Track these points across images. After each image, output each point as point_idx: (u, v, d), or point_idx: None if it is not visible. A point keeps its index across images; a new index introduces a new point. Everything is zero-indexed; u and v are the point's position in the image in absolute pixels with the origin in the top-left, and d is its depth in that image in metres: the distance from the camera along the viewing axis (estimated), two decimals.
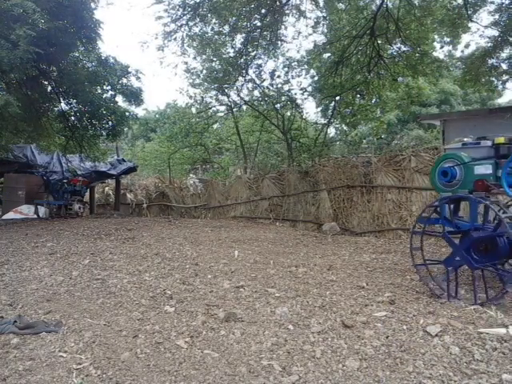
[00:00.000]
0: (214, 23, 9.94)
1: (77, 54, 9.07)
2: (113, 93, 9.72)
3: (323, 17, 10.58)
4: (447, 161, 3.15)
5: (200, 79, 12.96)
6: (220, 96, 13.24)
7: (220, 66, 11.71)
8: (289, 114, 12.90)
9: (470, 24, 9.62)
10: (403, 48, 10.41)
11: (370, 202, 6.16)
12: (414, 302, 2.54)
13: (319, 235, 6.12)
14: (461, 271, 3.07)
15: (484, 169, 2.94)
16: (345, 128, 14.47)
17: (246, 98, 13.16)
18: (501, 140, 2.94)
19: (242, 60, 10.70)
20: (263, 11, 9.26)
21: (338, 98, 11.54)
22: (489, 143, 2.99)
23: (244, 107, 14.08)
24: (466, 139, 3.23)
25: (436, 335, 1.98)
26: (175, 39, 9.74)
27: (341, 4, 10.34)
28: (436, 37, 11.33)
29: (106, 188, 14.23)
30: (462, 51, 13.19)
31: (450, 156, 3.16)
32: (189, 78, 12.94)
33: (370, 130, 16.76)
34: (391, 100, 14.29)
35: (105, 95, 9.70)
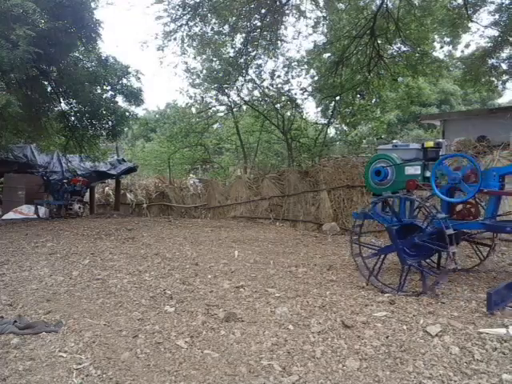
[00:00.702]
0: (214, 23, 9.94)
1: (77, 54, 9.06)
2: (113, 93, 9.71)
3: (323, 17, 10.58)
4: (380, 161, 3.34)
5: (200, 79, 12.96)
6: (220, 96, 13.23)
7: (220, 66, 11.71)
8: (289, 114, 12.89)
9: (470, 24, 9.62)
10: (403, 48, 10.41)
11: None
12: (414, 302, 2.54)
13: (319, 235, 6.13)
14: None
15: (414, 170, 3.17)
16: (345, 128, 14.46)
17: (246, 98, 13.15)
18: (429, 144, 3.22)
19: (242, 60, 10.70)
20: (263, 11, 9.26)
21: (337, 97, 11.53)
22: (418, 146, 3.25)
23: (244, 107, 14.08)
24: (395, 141, 3.57)
25: (436, 335, 1.98)
26: (175, 39, 9.74)
27: (341, 4, 10.33)
28: (436, 37, 11.33)
29: (106, 188, 14.23)
30: (462, 51, 13.18)
31: (383, 157, 3.35)
32: (189, 77, 12.93)
33: (370, 130, 16.75)
34: (391, 100, 14.30)
35: (105, 95, 9.70)
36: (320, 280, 3.21)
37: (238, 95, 12.99)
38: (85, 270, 3.73)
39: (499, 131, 8.09)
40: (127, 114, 10.03)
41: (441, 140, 3.36)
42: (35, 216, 10.00)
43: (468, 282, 3.03)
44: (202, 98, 13.46)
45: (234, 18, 9.67)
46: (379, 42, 9.92)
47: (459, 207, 3.20)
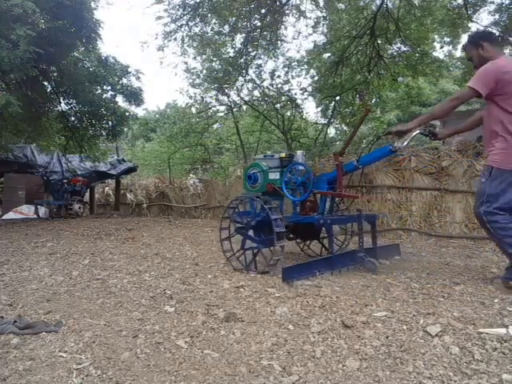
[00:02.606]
0: (214, 23, 9.94)
1: (77, 54, 9.07)
2: (113, 93, 9.72)
3: (323, 17, 10.59)
4: (253, 168, 4.14)
5: (200, 79, 12.97)
6: (220, 96, 13.25)
7: (220, 66, 11.73)
8: (289, 114, 12.89)
9: (470, 24, 9.61)
10: (403, 48, 10.42)
11: (370, 202, 6.16)
12: (414, 302, 2.54)
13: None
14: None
15: (274, 175, 3.94)
16: (345, 128, 14.47)
17: (246, 98, 13.16)
18: (283, 155, 4.01)
19: (242, 60, 10.71)
20: (263, 11, 9.26)
21: (337, 97, 11.53)
22: (278, 156, 4.03)
23: (244, 107, 14.08)
24: (269, 152, 4.15)
25: (436, 335, 1.97)
26: (175, 39, 9.75)
27: (341, 4, 10.34)
28: (436, 37, 11.33)
29: (106, 188, 14.24)
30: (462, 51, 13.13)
31: (255, 164, 4.16)
32: (189, 77, 12.96)
33: (370, 130, 16.76)
34: (391, 100, 14.31)
35: (105, 95, 9.71)
36: (320, 280, 3.21)
37: (238, 95, 13.00)
38: (85, 270, 3.74)
39: None
40: (127, 114, 10.04)
41: (298, 152, 4.09)
42: (35, 216, 10.01)
43: (468, 283, 3.04)
44: (202, 97, 13.48)
45: (233, 18, 9.68)
46: (379, 42, 9.93)
47: (308, 204, 3.89)
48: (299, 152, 4.09)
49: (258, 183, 4.04)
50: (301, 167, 3.86)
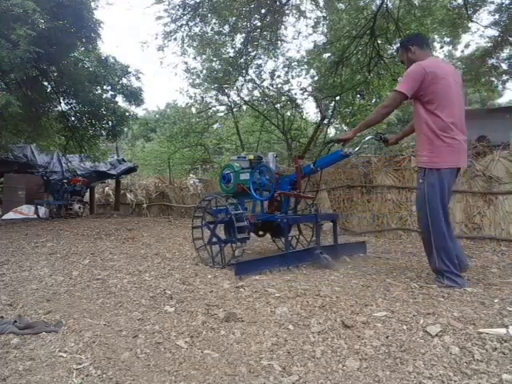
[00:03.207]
0: (214, 23, 9.94)
1: (77, 54, 9.07)
2: (113, 93, 9.72)
3: (323, 17, 10.58)
4: (227, 169, 4.33)
5: (200, 79, 12.97)
6: (220, 96, 13.25)
7: (220, 66, 11.72)
8: (289, 114, 12.88)
9: (470, 24, 9.62)
10: None
11: (370, 202, 6.16)
12: (414, 302, 2.54)
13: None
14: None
15: (244, 176, 4.12)
16: (345, 128, 14.46)
17: (246, 98, 13.16)
18: (251, 157, 4.21)
19: (242, 60, 10.70)
20: (263, 11, 9.26)
21: (337, 97, 11.53)
22: (248, 158, 4.21)
23: (244, 107, 14.08)
24: (243, 154, 4.47)
25: (436, 335, 1.97)
26: (175, 39, 9.75)
27: (341, 4, 10.33)
28: (436, 37, 11.32)
29: (106, 188, 14.24)
30: (462, 51, 13.16)
31: (229, 165, 4.36)
32: (189, 77, 12.95)
33: (370, 130, 16.73)
34: None
35: (105, 95, 9.71)
36: (320, 280, 3.21)
37: (238, 95, 13.00)
38: (85, 270, 3.74)
39: (499, 131, 8.09)
40: (127, 114, 10.03)
41: (270, 154, 4.24)
42: (35, 216, 10.01)
43: (468, 283, 3.04)
44: (202, 97, 13.48)
45: (233, 18, 9.68)
46: (379, 42, 9.92)
47: (275, 204, 4.11)
48: (270, 154, 4.23)
49: (231, 183, 4.22)
50: (271, 168, 4.03)
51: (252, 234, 4.12)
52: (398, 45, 3.22)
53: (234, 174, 4.20)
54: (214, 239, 3.87)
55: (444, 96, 2.77)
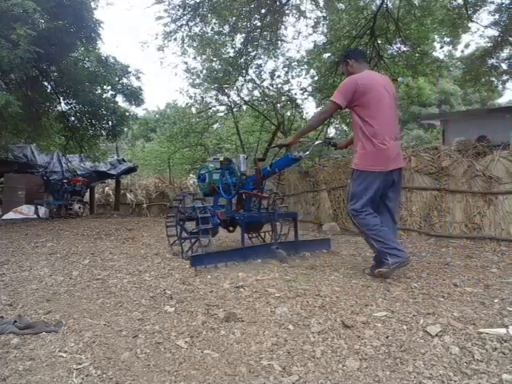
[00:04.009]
0: (214, 23, 9.94)
1: (77, 54, 9.07)
2: (113, 93, 9.72)
3: (323, 17, 10.58)
4: (203, 169, 4.64)
5: (200, 79, 12.96)
6: (220, 96, 13.23)
7: (220, 66, 11.71)
8: (289, 114, 12.88)
9: (470, 24, 9.62)
10: (403, 48, 10.40)
11: None
12: (414, 302, 2.54)
13: (319, 235, 6.13)
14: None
15: (216, 176, 4.42)
16: (345, 128, 14.46)
17: (246, 98, 13.15)
18: (221, 158, 4.47)
19: (242, 60, 10.70)
20: (263, 11, 9.26)
21: None
22: (220, 159, 4.47)
23: (244, 107, 14.07)
24: (218, 155, 4.80)
25: (436, 335, 1.97)
26: (175, 39, 9.75)
27: (341, 4, 10.33)
28: (436, 37, 11.32)
29: (106, 188, 14.24)
30: (462, 51, 13.16)
31: (205, 166, 4.70)
32: (189, 78, 12.94)
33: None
34: None
35: (105, 95, 9.71)
36: (320, 280, 3.21)
37: (238, 95, 12.99)
38: (85, 270, 3.74)
39: (499, 131, 8.09)
40: (127, 114, 10.03)
41: (241, 155, 4.42)
42: (35, 216, 10.00)
43: (469, 284, 3.04)
44: (202, 97, 13.47)
45: (233, 18, 9.68)
46: (379, 41, 9.92)
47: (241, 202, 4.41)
48: (241, 156, 4.47)
49: (206, 183, 4.51)
50: (235, 169, 4.33)
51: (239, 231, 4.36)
52: (339, 59, 3.58)
53: (208, 175, 4.49)
54: (184, 234, 4.22)
55: (375, 105, 3.05)
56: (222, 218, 4.09)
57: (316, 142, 4.29)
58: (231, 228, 4.52)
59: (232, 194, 4.28)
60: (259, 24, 9.64)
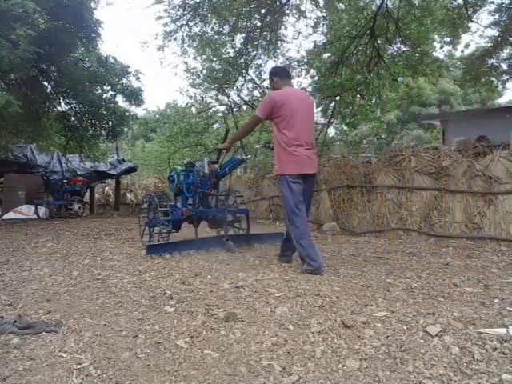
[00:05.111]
0: (214, 23, 9.94)
1: (77, 54, 9.07)
2: (113, 93, 9.73)
3: (323, 17, 10.58)
4: (173, 171, 5.07)
5: (200, 79, 12.96)
6: (220, 96, 13.22)
7: (220, 66, 11.71)
8: None
9: (470, 24, 9.62)
10: (403, 48, 10.41)
11: (370, 202, 6.17)
12: (414, 302, 2.54)
13: (319, 235, 6.12)
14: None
15: (182, 177, 4.80)
16: (345, 128, 14.46)
17: (246, 98, 13.14)
18: (185, 162, 4.90)
19: (242, 60, 10.70)
20: (263, 11, 9.26)
21: (338, 97, 11.52)
22: (185, 162, 4.92)
23: (244, 107, 14.07)
24: (186, 159, 5.38)
25: (436, 335, 1.97)
26: (175, 39, 9.75)
27: (341, 4, 10.34)
28: (436, 37, 11.33)
29: (106, 188, 14.24)
30: (462, 51, 13.17)
31: (174, 168, 5.14)
32: (189, 77, 12.94)
33: (370, 130, 16.75)
34: (391, 100, 14.27)
35: (105, 95, 9.71)
36: (320, 280, 3.21)
37: (238, 95, 12.99)
38: (85, 270, 3.73)
39: (499, 131, 8.09)
40: (127, 114, 10.04)
41: (205, 159, 4.72)
42: (35, 216, 10.00)
43: (469, 284, 3.04)
44: (202, 98, 13.47)
45: (234, 18, 9.68)
46: (379, 41, 9.92)
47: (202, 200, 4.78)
48: (205, 159, 4.76)
49: (175, 184, 4.91)
50: (194, 171, 4.72)
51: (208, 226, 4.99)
52: (268, 75, 3.95)
53: (176, 176, 4.93)
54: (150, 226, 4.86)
55: (290, 118, 3.42)
56: (186, 214, 4.51)
57: (257, 146, 4.90)
58: (195, 223, 4.87)
59: (192, 193, 4.67)
60: (259, 24, 9.64)
